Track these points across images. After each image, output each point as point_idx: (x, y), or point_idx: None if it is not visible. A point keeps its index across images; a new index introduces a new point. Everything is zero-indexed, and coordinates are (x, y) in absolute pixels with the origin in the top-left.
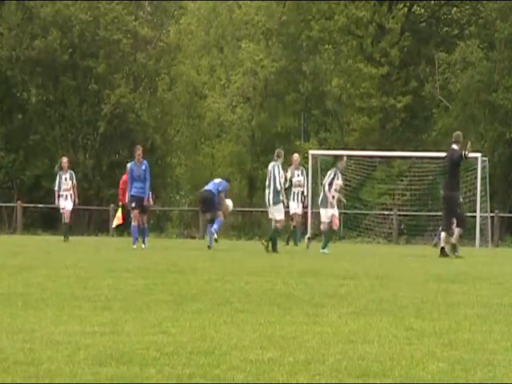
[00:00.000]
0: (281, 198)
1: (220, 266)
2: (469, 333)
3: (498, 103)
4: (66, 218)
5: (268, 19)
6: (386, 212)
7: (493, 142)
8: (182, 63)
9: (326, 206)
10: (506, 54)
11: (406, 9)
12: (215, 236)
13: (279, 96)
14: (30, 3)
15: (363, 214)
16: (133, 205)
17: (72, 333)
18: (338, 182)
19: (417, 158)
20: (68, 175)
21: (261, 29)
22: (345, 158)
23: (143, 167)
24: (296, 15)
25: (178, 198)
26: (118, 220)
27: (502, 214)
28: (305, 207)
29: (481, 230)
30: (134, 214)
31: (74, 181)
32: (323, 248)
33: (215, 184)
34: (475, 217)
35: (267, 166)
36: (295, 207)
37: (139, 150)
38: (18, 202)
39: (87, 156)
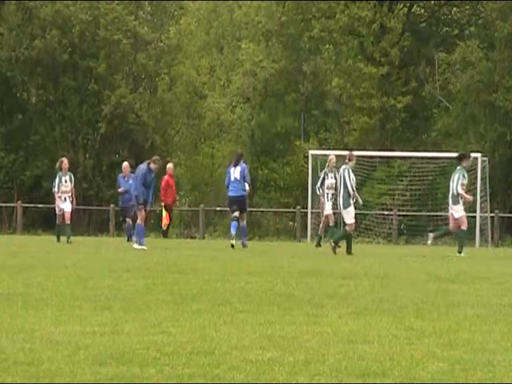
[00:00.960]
0: (351, 201)
1: (220, 266)
2: (469, 333)
3: (498, 103)
4: (67, 219)
5: (268, 20)
6: (386, 212)
7: (493, 142)
8: (182, 63)
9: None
10: (505, 54)
11: (405, 9)
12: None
13: (279, 96)
14: (30, 3)
15: (363, 214)
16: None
17: (72, 333)
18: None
19: (417, 158)
20: (68, 177)
21: (261, 29)
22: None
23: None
24: (296, 15)
25: (177, 198)
26: (165, 220)
27: (502, 214)
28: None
29: (481, 230)
30: (142, 214)
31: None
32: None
33: (242, 179)
34: (475, 217)
35: (268, 166)
36: (329, 208)
37: (158, 163)
38: (18, 202)
39: (87, 156)
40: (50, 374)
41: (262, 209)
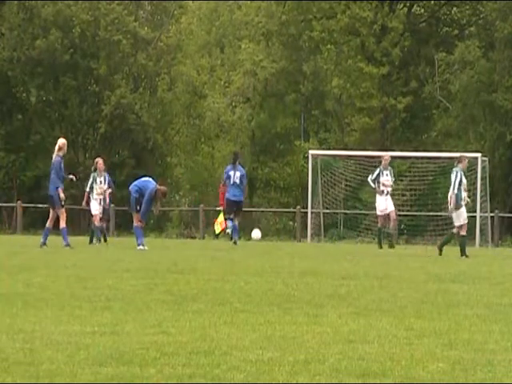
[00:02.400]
0: (462, 203)
1: (220, 266)
2: (469, 333)
3: (498, 103)
4: (96, 222)
5: (268, 20)
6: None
7: (493, 142)
8: (182, 63)
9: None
10: (505, 54)
11: (406, 9)
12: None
13: (279, 96)
14: (31, 3)
15: (363, 213)
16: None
17: (72, 333)
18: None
19: (417, 158)
20: (102, 178)
21: (261, 29)
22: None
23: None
24: (296, 15)
25: (177, 197)
26: (220, 226)
27: (502, 214)
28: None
29: (481, 230)
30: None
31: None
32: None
33: (241, 184)
34: (475, 217)
35: (267, 166)
36: (382, 208)
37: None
38: (18, 202)
39: (87, 156)
40: (49, 374)
41: (262, 209)
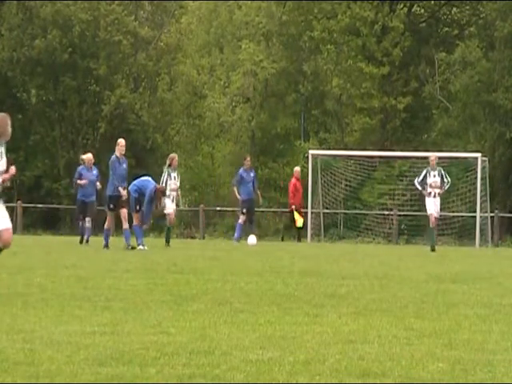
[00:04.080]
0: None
1: (220, 266)
2: (469, 333)
3: (498, 103)
4: (171, 222)
5: (268, 20)
6: (386, 212)
7: (493, 142)
8: (182, 63)
9: None
10: (505, 54)
11: (406, 9)
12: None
13: (279, 96)
14: (30, 3)
15: (363, 213)
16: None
17: (72, 333)
18: None
19: (417, 158)
20: (176, 173)
21: (261, 30)
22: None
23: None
24: (297, 15)
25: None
26: (299, 221)
27: (502, 214)
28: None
29: (481, 230)
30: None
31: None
32: None
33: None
34: (475, 217)
35: (267, 166)
36: (431, 208)
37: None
38: (18, 202)
39: None
40: (49, 374)
41: (261, 209)
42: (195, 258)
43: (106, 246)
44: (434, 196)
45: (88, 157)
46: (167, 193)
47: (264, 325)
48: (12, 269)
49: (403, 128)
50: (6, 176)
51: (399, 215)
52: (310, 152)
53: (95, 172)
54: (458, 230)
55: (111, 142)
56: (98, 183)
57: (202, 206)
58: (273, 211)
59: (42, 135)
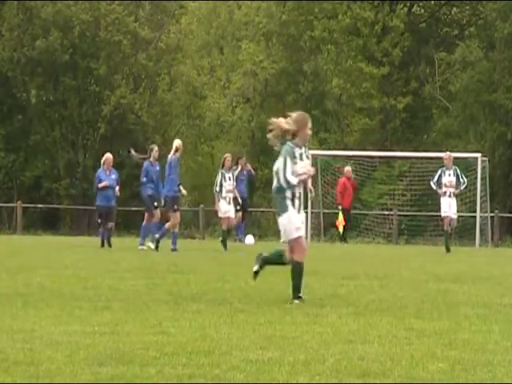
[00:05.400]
0: None
1: (220, 266)
2: (469, 333)
3: (498, 103)
4: (230, 225)
5: (268, 20)
6: (386, 212)
7: (493, 142)
8: (182, 63)
9: None
10: (505, 54)
11: (406, 9)
12: None
13: (279, 96)
14: (31, 3)
15: (363, 214)
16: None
17: (72, 333)
18: None
19: (417, 158)
20: (231, 174)
21: (261, 30)
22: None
23: (158, 168)
24: (297, 15)
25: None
26: (341, 224)
27: (501, 214)
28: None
29: (481, 230)
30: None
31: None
32: None
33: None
34: (475, 217)
35: (268, 167)
36: (445, 210)
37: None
38: (18, 202)
39: (87, 156)
40: (49, 374)
41: (262, 209)
42: (195, 258)
43: (175, 249)
44: (450, 196)
45: (107, 156)
46: (223, 195)
47: (264, 325)
48: (12, 269)
49: (403, 128)
50: None
51: (399, 215)
52: (310, 152)
53: (114, 176)
54: (458, 230)
55: (111, 142)
56: (117, 188)
57: (202, 206)
58: (273, 211)
59: (41, 135)
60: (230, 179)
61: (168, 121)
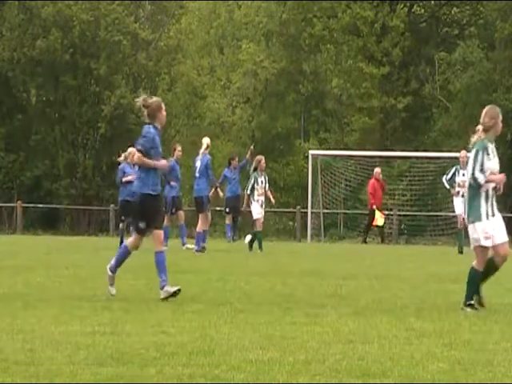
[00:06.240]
0: None
1: (220, 266)
2: (469, 333)
3: (498, 103)
4: (259, 227)
5: (268, 20)
6: (386, 212)
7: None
8: (182, 63)
9: None
10: (506, 54)
11: (406, 9)
12: None
13: (279, 96)
14: (31, 3)
15: (363, 213)
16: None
17: (72, 333)
18: None
19: (417, 158)
20: (263, 177)
21: (261, 29)
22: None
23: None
24: (297, 14)
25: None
26: (378, 220)
27: (502, 214)
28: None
29: None
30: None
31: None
32: None
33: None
34: None
35: (267, 167)
36: (459, 208)
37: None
38: (18, 202)
39: (87, 156)
40: (49, 374)
41: None
42: (195, 258)
43: (201, 249)
44: (462, 195)
45: (131, 150)
46: (255, 198)
47: (264, 325)
48: (12, 269)
49: (403, 128)
50: None
51: (399, 215)
52: (310, 152)
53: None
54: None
55: (111, 142)
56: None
57: None
58: (273, 211)
59: (42, 135)
60: (262, 183)
61: (168, 121)
